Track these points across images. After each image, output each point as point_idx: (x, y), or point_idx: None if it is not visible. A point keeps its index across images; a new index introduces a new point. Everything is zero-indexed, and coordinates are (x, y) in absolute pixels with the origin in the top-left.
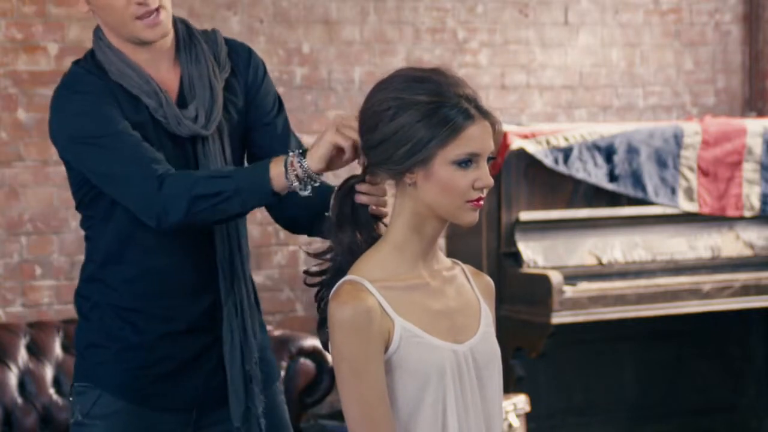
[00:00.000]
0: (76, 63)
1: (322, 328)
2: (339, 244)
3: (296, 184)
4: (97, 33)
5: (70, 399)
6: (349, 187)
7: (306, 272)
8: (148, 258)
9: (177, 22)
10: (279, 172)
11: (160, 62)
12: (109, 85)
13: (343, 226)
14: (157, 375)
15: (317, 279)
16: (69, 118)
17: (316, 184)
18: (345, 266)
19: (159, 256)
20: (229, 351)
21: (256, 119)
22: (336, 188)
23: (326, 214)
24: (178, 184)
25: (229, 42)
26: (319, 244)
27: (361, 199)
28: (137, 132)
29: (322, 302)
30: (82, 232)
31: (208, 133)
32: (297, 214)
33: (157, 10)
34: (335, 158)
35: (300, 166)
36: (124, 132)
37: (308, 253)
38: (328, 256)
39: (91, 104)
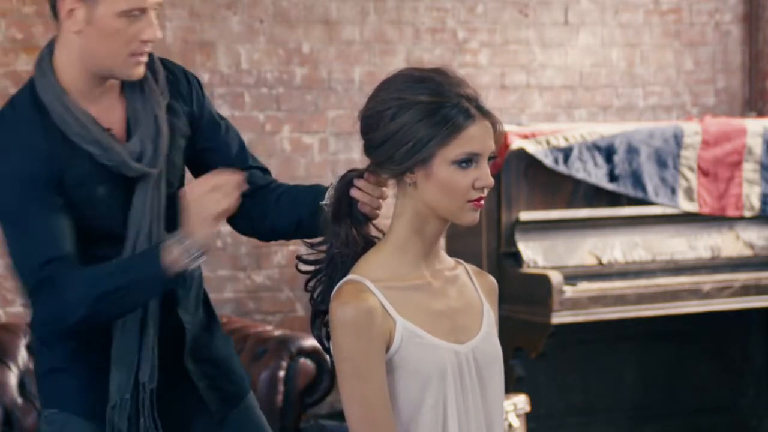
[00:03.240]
0: (12, 101)
1: (315, 320)
2: (335, 236)
3: (191, 262)
4: (43, 62)
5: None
6: (348, 180)
7: (299, 258)
8: None
9: None
10: (172, 260)
11: (110, 96)
12: (45, 130)
13: (339, 218)
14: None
15: (310, 267)
16: None
17: (205, 257)
18: (339, 258)
19: None
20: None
21: (206, 142)
22: (336, 180)
23: (322, 203)
24: (74, 288)
25: (165, 64)
26: None
27: (354, 194)
28: (80, 183)
29: (314, 292)
30: None
31: (156, 171)
32: (276, 222)
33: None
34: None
35: (190, 256)
36: (31, 212)
37: (305, 242)
38: (324, 246)
39: (11, 168)
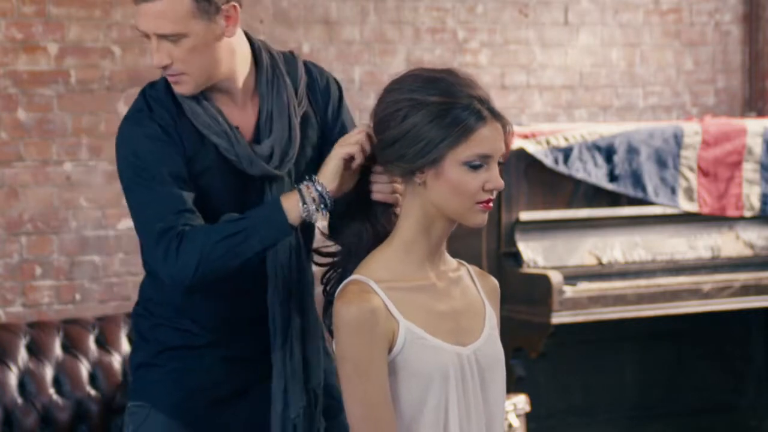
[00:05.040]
0: (150, 86)
1: (327, 311)
2: (349, 228)
3: (312, 207)
4: None
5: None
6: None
7: (315, 251)
8: (200, 291)
9: (261, 50)
10: (292, 202)
11: (239, 96)
12: (176, 120)
13: (355, 211)
14: (210, 399)
15: (326, 260)
16: (125, 157)
17: (329, 208)
18: (353, 250)
19: (209, 291)
20: (276, 383)
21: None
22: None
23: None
24: (194, 237)
25: (308, 68)
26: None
27: (372, 186)
28: (203, 172)
29: (329, 284)
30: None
31: (281, 174)
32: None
33: (178, 74)
34: (345, 172)
35: (315, 189)
36: (163, 179)
37: (322, 233)
38: (338, 238)
39: (148, 144)
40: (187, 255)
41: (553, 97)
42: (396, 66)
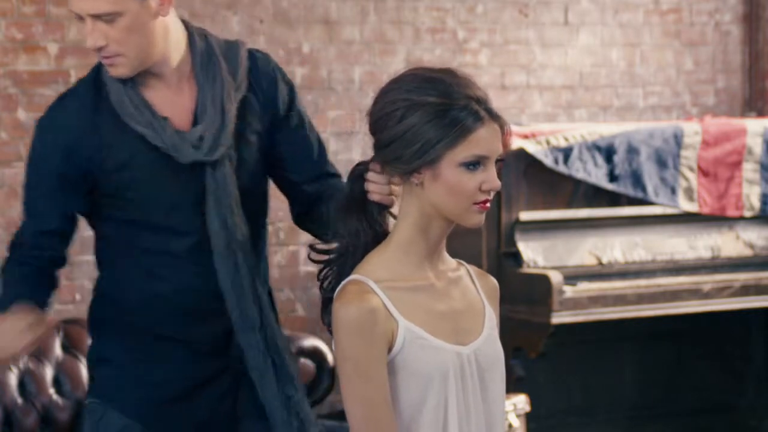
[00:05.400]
0: (79, 80)
1: (325, 309)
2: (346, 227)
3: None
4: None
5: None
6: (357, 173)
7: (311, 247)
8: (149, 283)
9: (196, 36)
10: None
11: (174, 80)
12: (98, 108)
13: (351, 210)
14: (167, 395)
15: (322, 257)
16: (32, 142)
17: None
18: (350, 249)
19: (159, 283)
20: (258, 377)
21: (286, 144)
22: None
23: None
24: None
25: (253, 56)
26: None
27: (368, 186)
28: (125, 164)
29: (325, 282)
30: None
31: (211, 159)
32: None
33: (114, 55)
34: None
35: None
36: (45, 183)
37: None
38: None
39: (49, 138)
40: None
41: (553, 97)
42: (396, 66)
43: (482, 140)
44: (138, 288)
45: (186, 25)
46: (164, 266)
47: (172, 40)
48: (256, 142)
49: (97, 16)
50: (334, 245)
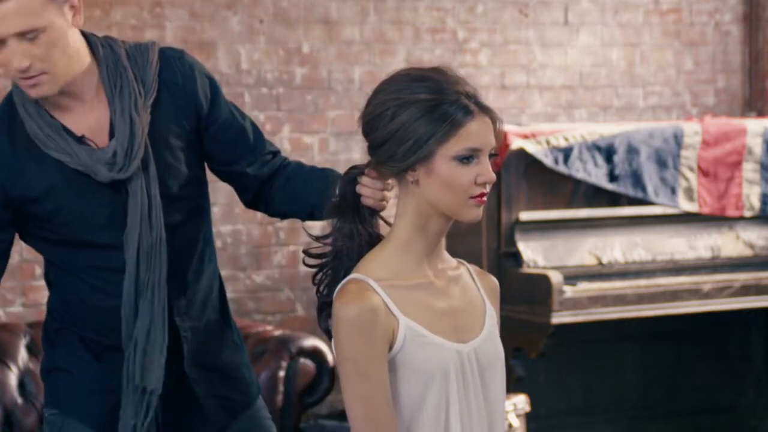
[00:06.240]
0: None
1: (322, 313)
2: (339, 230)
3: None
4: None
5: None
6: (351, 177)
7: (305, 252)
8: (94, 298)
9: (98, 45)
10: None
11: (87, 96)
12: (13, 140)
13: (344, 213)
14: (119, 402)
15: (316, 261)
16: None
17: None
18: (344, 251)
19: (104, 297)
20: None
21: (222, 134)
22: (341, 176)
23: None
24: None
25: (167, 57)
26: (318, 229)
27: (361, 190)
28: (49, 191)
29: (321, 285)
30: None
31: (127, 176)
32: (286, 207)
33: (39, 74)
34: None
35: None
36: None
37: (310, 236)
38: (329, 239)
39: None
40: None
41: (553, 97)
42: (396, 66)
43: (474, 133)
44: (84, 303)
45: (84, 34)
46: (107, 281)
47: (81, 52)
48: (182, 143)
49: (21, 35)
50: (328, 249)
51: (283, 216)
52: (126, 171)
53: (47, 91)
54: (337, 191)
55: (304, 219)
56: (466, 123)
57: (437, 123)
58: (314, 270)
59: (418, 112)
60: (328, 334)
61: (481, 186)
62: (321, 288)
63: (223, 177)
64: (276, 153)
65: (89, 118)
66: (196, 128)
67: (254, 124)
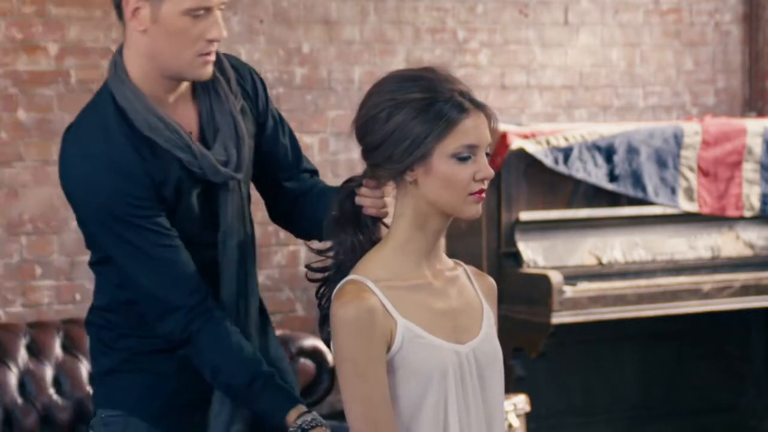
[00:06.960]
0: (93, 106)
1: (323, 325)
2: (340, 244)
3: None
4: (118, 67)
5: (90, 429)
6: (348, 190)
7: (308, 267)
8: None
9: None
10: (293, 416)
11: (182, 100)
12: (134, 142)
13: (344, 226)
14: (183, 403)
15: (319, 275)
16: (93, 193)
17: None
18: (347, 264)
19: None
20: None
21: (268, 144)
22: (337, 190)
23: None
24: (208, 351)
25: (232, 63)
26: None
27: (359, 201)
28: (177, 192)
29: (323, 299)
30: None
31: (242, 176)
32: (305, 225)
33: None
34: None
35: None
36: (150, 239)
37: (311, 250)
38: (331, 253)
39: (117, 184)
40: (197, 356)
41: (553, 97)
42: (396, 66)
43: (470, 130)
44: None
45: None
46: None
47: None
48: (253, 144)
49: (223, 4)
50: (330, 262)
51: (306, 236)
52: (240, 171)
53: (211, 71)
54: (335, 206)
55: (316, 235)
56: (461, 120)
57: (433, 121)
58: (317, 284)
59: (413, 111)
60: (328, 345)
61: (480, 182)
62: (323, 301)
63: (260, 184)
64: (315, 172)
65: (185, 118)
66: (254, 133)
67: (295, 137)
